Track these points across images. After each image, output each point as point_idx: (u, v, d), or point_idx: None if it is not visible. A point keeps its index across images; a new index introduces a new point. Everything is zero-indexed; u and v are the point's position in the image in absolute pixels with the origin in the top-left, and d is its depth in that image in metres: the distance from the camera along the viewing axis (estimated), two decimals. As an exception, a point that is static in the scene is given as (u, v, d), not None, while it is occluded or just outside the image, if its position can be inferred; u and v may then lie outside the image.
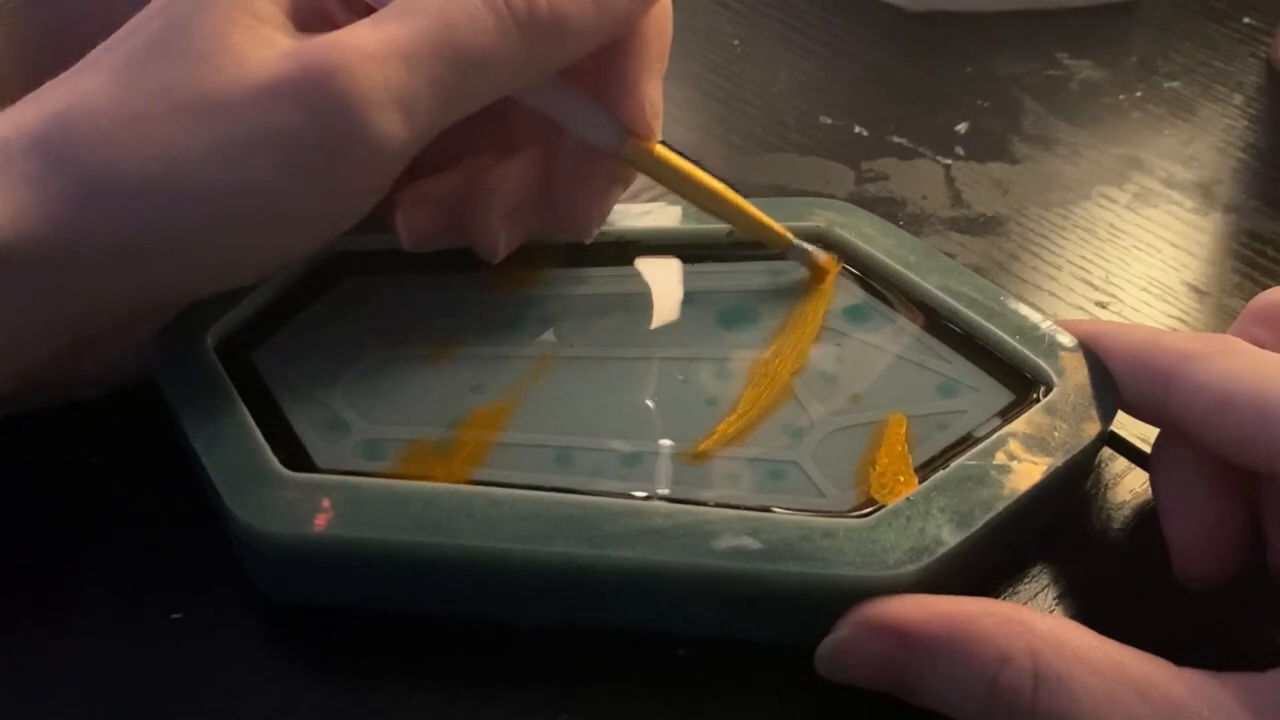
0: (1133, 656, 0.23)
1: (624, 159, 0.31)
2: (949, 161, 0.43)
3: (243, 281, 0.30)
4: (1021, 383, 0.30)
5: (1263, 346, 0.27)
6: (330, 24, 0.28)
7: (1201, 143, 0.44)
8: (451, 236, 0.32)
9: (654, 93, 0.31)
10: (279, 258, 0.29)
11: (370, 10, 0.28)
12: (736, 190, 0.41)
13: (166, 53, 0.27)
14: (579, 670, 0.27)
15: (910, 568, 0.25)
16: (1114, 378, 0.29)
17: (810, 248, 0.33)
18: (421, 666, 0.27)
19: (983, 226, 0.40)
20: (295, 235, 0.28)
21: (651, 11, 0.30)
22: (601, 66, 0.30)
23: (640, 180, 0.41)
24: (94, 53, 0.28)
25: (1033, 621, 0.23)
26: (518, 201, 0.31)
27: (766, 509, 0.27)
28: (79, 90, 0.27)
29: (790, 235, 0.33)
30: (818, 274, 0.33)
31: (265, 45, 0.26)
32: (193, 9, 0.27)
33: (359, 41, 0.26)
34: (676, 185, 0.32)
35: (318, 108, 0.25)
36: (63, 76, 0.28)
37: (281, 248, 0.28)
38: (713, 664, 0.27)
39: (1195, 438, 0.26)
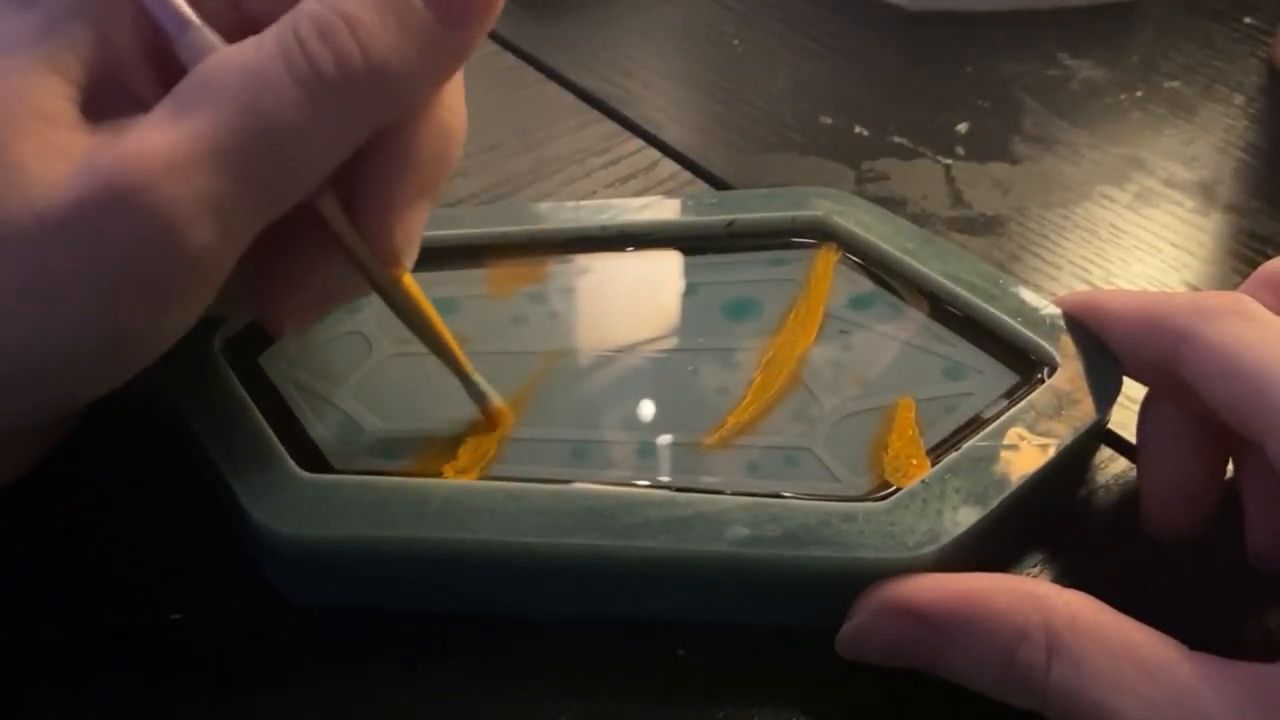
0: (1145, 636, 0.24)
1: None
2: (949, 161, 0.44)
3: (79, 404, 0.28)
4: (1025, 364, 0.32)
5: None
6: (130, 97, 0.26)
7: (1202, 143, 0.46)
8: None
9: (412, 221, 0.29)
10: (112, 381, 0.27)
11: (178, 67, 0.26)
12: (735, 187, 0.43)
13: None
14: (578, 670, 0.28)
15: (930, 549, 0.27)
16: (1117, 347, 0.31)
17: (488, 394, 0.31)
18: (420, 667, 0.28)
19: (983, 227, 0.42)
20: (126, 358, 0.26)
21: (429, 134, 0.28)
22: (365, 181, 0.28)
23: (640, 181, 0.43)
24: None
25: (1049, 596, 0.25)
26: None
27: (783, 495, 0.29)
28: None
29: (479, 385, 0.31)
30: (489, 418, 0.31)
31: (57, 157, 0.24)
32: None
33: (158, 148, 0.24)
34: (412, 323, 0.30)
35: (123, 233, 0.24)
36: None
37: (112, 372, 0.26)
38: (711, 665, 0.28)
39: (1200, 396, 0.28)
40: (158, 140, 0.24)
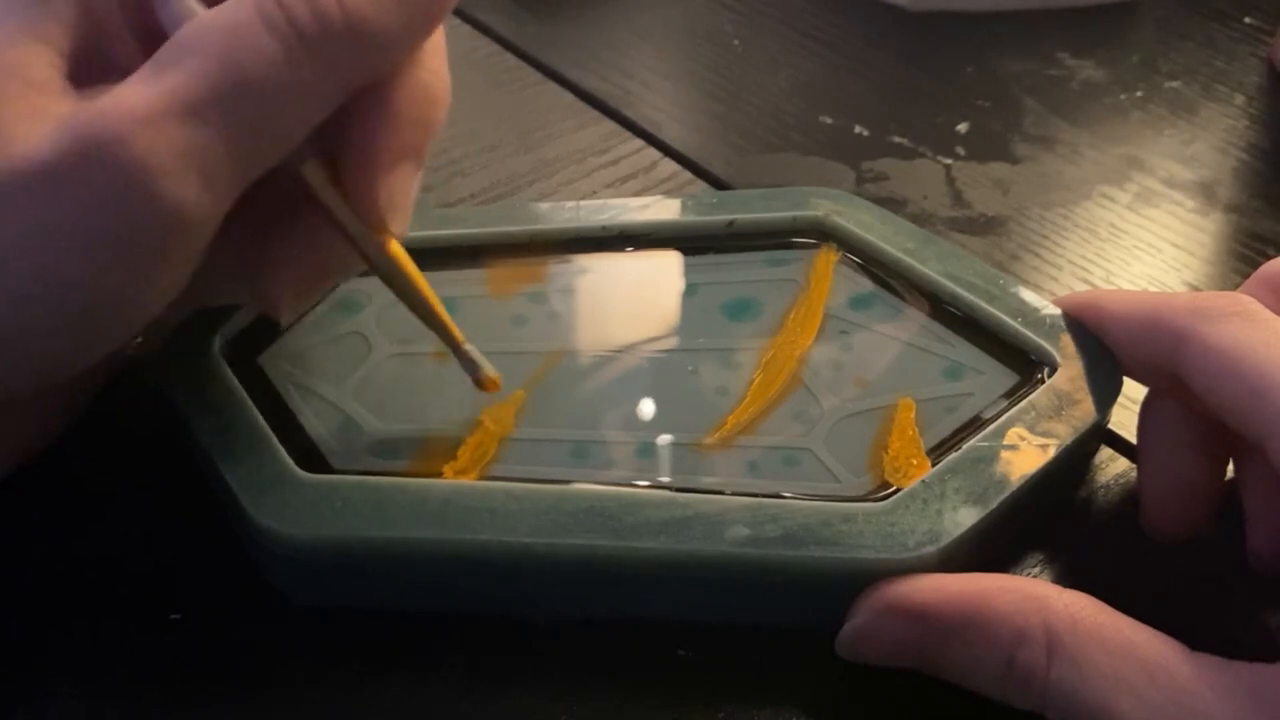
0: (1146, 636, 0.24)
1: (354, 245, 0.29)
2: (950, 161, 0.44)
3: (63, 377, 0.27)
4: (1025, 364, 0.32)
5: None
6: (116, 68, 0.26)
7: (1202, 143, 0.46)
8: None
9: (397, 184, 0.28)
10: (103, 347, 0.27)
11: (161, 37, 0.26)
12: (735, 187, 0.43)
13: None
14: (578, 671, 0.28)
15: (930, 549, 0.27)
16: (1117, 348, 0.31)
17: (480, 363, 0.31)
18: (420, 667, 0.28)
19: (983, 226, 0.42)
20: (115, 320, 0.26)
21: (409, 94, 0.28)
22: (347, 144, 0.28)
23: (640, 181, 0.43)
24: None
25: (1049, 597, 0.25)
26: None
27: (783, 495, 0.29)
28: None
29: (471, 355, 0.30)
30: (482, 388, 0.31)
31: (37, 119, 0.24)
32: None
33: (134, 103, 0.24)
34: (402, 292, 0.30)
35: (100, 188, 0.23)
36: None
37: (102, 336, 0.26)
38: (711, 665, 0.28)
39: (1200, 397, 0.28)
40: (133, 96, 0.24)
